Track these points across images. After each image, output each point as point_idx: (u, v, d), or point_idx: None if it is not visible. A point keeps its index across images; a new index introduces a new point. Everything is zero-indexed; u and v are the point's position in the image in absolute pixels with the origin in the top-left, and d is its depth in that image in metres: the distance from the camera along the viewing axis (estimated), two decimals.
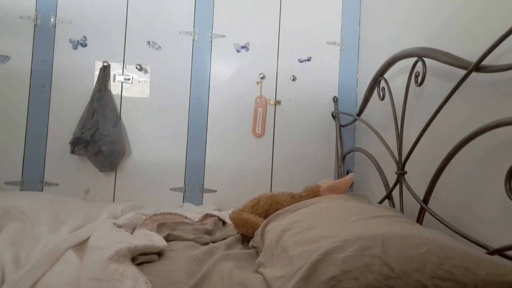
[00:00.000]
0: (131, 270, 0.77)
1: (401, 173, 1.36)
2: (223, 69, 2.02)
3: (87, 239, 0.95)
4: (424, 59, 1.27)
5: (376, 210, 1.04)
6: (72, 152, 1.82)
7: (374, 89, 1.70)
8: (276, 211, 1.35)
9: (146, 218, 1.34)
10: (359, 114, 1.88)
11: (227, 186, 2.00)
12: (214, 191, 1.99)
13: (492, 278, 0.64)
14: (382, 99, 1.62)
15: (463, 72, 1.07)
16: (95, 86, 1.87)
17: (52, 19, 1.88)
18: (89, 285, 0.72)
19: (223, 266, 0.86)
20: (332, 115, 2.03)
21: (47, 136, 1.87)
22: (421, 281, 0.64)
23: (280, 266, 0.75)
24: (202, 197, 1.98)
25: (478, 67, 1.02)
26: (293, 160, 2.03)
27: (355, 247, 0.67)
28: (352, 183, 1.91)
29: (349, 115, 1.95)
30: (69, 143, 1.82)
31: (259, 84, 2.02)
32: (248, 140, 2.02)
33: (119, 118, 1.90)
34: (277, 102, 2.03)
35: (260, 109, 2.01)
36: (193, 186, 1.98)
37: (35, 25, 1.86)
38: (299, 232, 0.88)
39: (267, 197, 1.40)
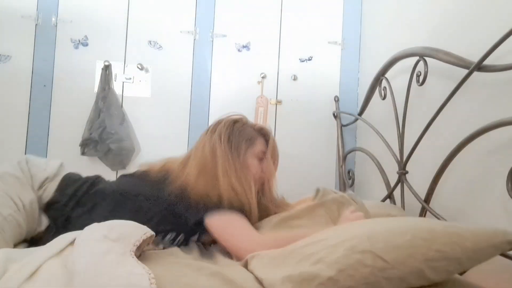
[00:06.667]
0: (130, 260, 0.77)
1: (402, 173, 1.36)
2: (224, 68, 2.01)
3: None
4: (426, 58, 1.27)
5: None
6: (83, 153, 1.82)
7: (376, 88, 1.70)
8: None
9: None
10: (360, 113, 1.88)
11: None
12: None
13: (479, 245, 0.66)
14: (384, 98, 1.62)
15: (465, 71, 1.07)
16: (98, 86, 1.86)
17: (53, 19, 1.87)
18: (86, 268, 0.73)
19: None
20: (334, 114, 2.03)
21: (48, 135, 1.87)
22: (416, 266, 0.65)
23: (270, 271, 0.75)
24: None
25: (480, 66, 1.02)
26: (294, 159, 2.02)
27: (343, 247, 0.68)
28: (354, 183, 1.92)
29: (351, 114, 1.94)
30: (79, 146, 1.82)
31: (260, 83, 2.02)
32: None
33: (124, 115, 1.89)
34: (278, 102, 2.03)
35: (261, 109, 2.01)
36: None
37: (36, 24, 1.86)
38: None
39: None
